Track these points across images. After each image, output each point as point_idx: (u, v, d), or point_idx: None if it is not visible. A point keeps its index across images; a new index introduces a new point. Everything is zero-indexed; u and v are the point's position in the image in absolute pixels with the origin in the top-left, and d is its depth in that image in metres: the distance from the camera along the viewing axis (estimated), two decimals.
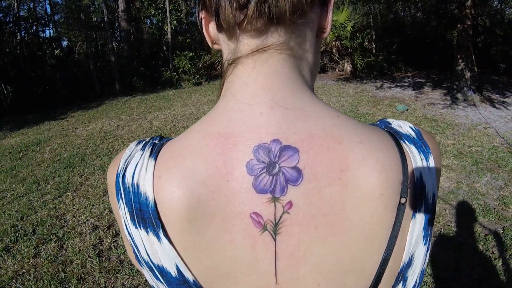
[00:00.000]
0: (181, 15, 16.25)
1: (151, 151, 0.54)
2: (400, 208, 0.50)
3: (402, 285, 0.54)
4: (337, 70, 13.47)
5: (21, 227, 3.77)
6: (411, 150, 0.53)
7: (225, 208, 0.48)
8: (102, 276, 2.94)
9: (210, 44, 0.58)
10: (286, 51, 0.52)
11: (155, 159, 0.52)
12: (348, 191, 0.48)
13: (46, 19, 18.27)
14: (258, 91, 0.51)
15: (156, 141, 0.57)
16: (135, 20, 16.78)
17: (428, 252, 0.56)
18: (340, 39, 11.29)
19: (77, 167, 5.61)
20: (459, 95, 8.58)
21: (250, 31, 0.50)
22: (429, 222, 0.53)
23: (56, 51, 15.63)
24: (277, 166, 0.47)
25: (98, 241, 3.46)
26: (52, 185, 4.92)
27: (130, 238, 0.52)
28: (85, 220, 3.87)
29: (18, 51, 13.82)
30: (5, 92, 11.97)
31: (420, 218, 0.52)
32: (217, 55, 13.08)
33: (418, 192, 0.52)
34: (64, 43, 18.03)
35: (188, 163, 0.49)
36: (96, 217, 3.93)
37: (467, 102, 8.37)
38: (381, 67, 12.61)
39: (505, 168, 4.66)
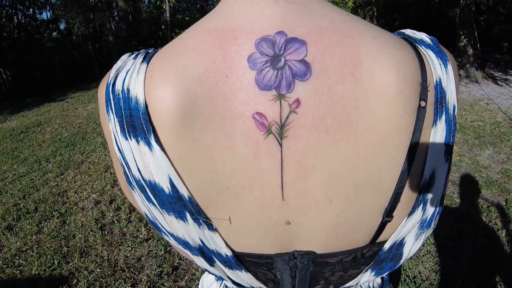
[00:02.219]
0: None
1: (144, 57, 0.48)
2: (420, 112, 0.44)
3: (422, 208, 0.49)
4: None
5: (23, 206, 3.77)
6: (428, 54, 0.47)
7: (224, 108, 0.42)
8: (105, 249, 2.94)
9: None
10: None
11: (148, 63, 0.46)
12: (362, 89, 0.42)
13: (43, 1, 18.05)
14: None
15: (150, 51, 0.51)
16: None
17: (449, 175, 0.50)
18: None
19: (78, 146, 5.60)
20: (461, 72, 8.50)
21: None
22: (451, 136, 0.47)
23: (54, 34, 15.52)
24: (283, 59, 0.41)
25: (100, 215, 3.46)
26: (54, 163, 4.91)
27: (120, 154, 0.47)
28: (87, 196, 3.87)
29: (15, 35, 13.71)
30: (4, 77, 11.91)
31: (441, 127, 0.46)
32: None
33: (438, 98, 0.46)
34: (62, 25, 17.88)
35: (182, 60, 0.43)
36: (98, 192, 3.92)
37: (469, 78, 8.31)
38: None
39: (507, 142, 4.63)
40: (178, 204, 0.46)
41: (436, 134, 0.46)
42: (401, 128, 0.44)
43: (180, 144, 0.43)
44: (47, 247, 3.01)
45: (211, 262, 0.52)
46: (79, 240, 3.07)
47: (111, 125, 0.46)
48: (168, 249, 2.89)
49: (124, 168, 0.48)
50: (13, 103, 10.16)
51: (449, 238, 2.83)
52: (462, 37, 8.52)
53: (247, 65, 0.41)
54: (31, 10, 16.36)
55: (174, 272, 2.65)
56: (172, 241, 0.52)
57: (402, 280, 2.46)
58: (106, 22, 14.85)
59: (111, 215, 3.44)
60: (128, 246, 2.95)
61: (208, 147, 0.43)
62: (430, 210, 0.49)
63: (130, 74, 0.45)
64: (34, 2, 16.30)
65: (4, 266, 2.81)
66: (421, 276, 2.49)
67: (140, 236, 3.08)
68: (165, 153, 0.44)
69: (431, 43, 0.49)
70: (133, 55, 0.50)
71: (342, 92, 0.42)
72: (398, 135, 0.44)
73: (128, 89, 0.44)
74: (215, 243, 0.49)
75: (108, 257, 2.85)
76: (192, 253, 0.51)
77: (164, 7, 15.11)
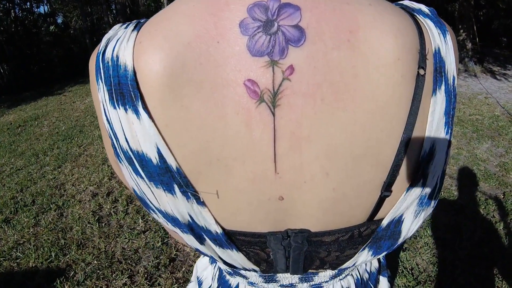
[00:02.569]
0: None
1: (136, 26, 0.46)
2: (419, 80, 0.43)
3: (422, 183, 0.46)
4: None
5: (20, 199, 3.76)
6: (426, 23, 0.45)
7: (214, 75, 0.40)
8: (102, 241, 2.94)
9: None
10: None
11: (138, 31, 0.44)
12: (360, 55, 0.40)
13: None
14: None
15: (142, 21, 0.49)
16: None
17: (449, 150, 0.48)
18: None
19: (76, 139, 5.59)
20: (460, 66, 8.50)
21: None
22: (451, 107, 0.46)
23: (51, 28, 15.45)
24: (276, 24, 0.39)
25: (97, 207, 3.46)
26: (51, 157, 4.90)
27: (108, 125, 0.45)
28: (84, 188, 3.86)
29: (13, 29, 13.65)
30: (2, 71, 11.87)
31: (441, 97, 0.44)
32: None
33: (438, 66, 0.44)
34: (59, 19, 17.81)
35: (173, 25, 0.41)
36: (95, 185, 3.92)
37: (468, 72, 8.30)
38: None
39: (505, 136, 4.64)
40: (166, 175, 0.44)
41: (436, 103, 0.44)
42: (400, 96, 0.42)
43: (169, 112, 0.42)
44: (44, 240, 3.00)
45: (201, 240, 0.50)
46: (76, 233, 3.07)
47: (100, 94, 0.45)
48: (165, 240, 2.89)
49: (112, 139, 0.46)
50: (10, 97, 10.13)
51: (447, 231, 2.83)
52: (461, 31, 8.51)
53: (239, 30, 0.39)
54: (28, 3, 16.29)
55: (171, 263, 2.65)
56: (161, 219, 0.50)
57: (400, 271, 2.46)
58: (103, 15, 14.81)
59: (108, 207, 3.44)
60: (125, 238, 2.95)
61: (197, 115, 0.41)
62: (430, 185, 0.48)
63: (120, 41, 0.44)
64: None
65: (1, 259, 2.81)
66: (419, 268, 2.49)
67: (137, 228, 3.07)
68: (153, 121, 0.42)
69: (429, 13, 0.48)
70: (125, 25, 0.48)
71: (338, 59, 0.40)
72: (397, 104, 0.42)
73: (117, 56, 0.42)
74: (204, 219, 0.47)
75: (105, 249, 2.85)
76: (181, 231, 0.49)
77: (161, 0, 15.08)
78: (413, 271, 2.46)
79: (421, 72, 0.42)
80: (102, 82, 0.44)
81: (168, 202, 0.46)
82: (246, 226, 0.48)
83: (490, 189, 3.41)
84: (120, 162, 0.47)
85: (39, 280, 2.57)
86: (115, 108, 0.43)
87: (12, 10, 14.05)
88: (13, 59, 12.48)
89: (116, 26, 0.49)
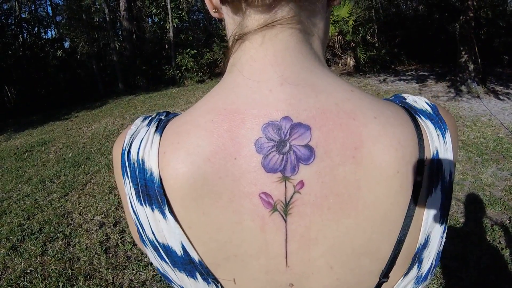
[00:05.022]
0: (183, 13, 16.22)
1: (157, 127, 0.51)
2: (416, 186, 0.48)
3: (417, 267, 0.52)
4: (340, 64, 13.39)
5: (27, 226, 3.79)
6: (427, 126, 0.51)
7: (232, 188, 0.45)
8: (110, 272, 2.95)
9: (211, 11, 0.54)
10: (297, 25, 0.48)
11: (161, 135, 0.50)
12: (363, 170, 0.46)
13: (48, 21, 18.32)
14: (267, 67, 0.47)
15: (162, 117, 0.55)
16: (137, 19, 16.76)
17: (445, 233, 0.54)
18: (342, 33, 11.22)
19: (83, 166, 5.64)
20: (463, 87, 8.53)
21: (258, 6, 0.46)
22: (446, 201, 0.51)
23: (59, 52, 15.69)
24: (288, 144, 0.45)
25: (105, 237, 3.48)
26: (58, 184, 4.94)
27: (135, 216, 0.51)
28: (91, 218, 3.89)
29: (20, 53, 13.88)
30: (9, 94, 12.03)
31: (437, 197, 0.50)
32: (220, 53, 13.08)
33: (434, 170, 0.49)
34: (67, 44, 18.11)
35: (192, 139, 0.47)
36: (102, 214, 3.95)
37: (471, 94, 8.32)
38: (384, 60, 12.53)
39: (510, 159, 4.63)
40: (189, 265, 0.49)
41: (432, 203, 0.49)
42: (398, 202, 0.47)
43: (191, 216, 0.47)
44: (51, 269, 3.02)
45: None
46: (84, 263, 3.08)
47: (126, 188, 0.50)
48: None
49: (138, 228, 0.52)
50: (17, 121, 10.25)
51: (453, 258, 2.82)
52: (463, 52, 8.57)
53: (254, 148, 0.45)
54: (36, 28, 16.60)
55: None
56: None
57: None
58: (110, 41, 15.04)
59: (115, 237, 3.45)
60: (133, 270, 2.96)
61: (217, 221, 0.47)
62: (426, 267, 0.53)
63: (144, 144, 0.49)
64: (39, 21, 16.54)
65: (9, 287, 2.83)
66: None
67: (145, 260, 3.08)
68: (178, 222, 0.47)
69: (431, 112, 0.53)
70: (146, 121, 0.54)
71: (344, 173, 0.45)
72: (395, 209, 0.48)
73: (143, 161, 0.48)
74: None
75: (112, 280, 2.86)
76: None
77: (167, 27, 15.32)
78: None
79: (419, 179, 0.48)
80: (128, 179, 0.49)
81: (190, 284, 0.51)
82: None
83: (496, 214, 3.40)
84: (146, 247, 0.53)
85: None
86: (141, 205, 0.49)
87: (20, 35, 14.30)
88: (20, 82, 12.65)
89: (138, 121, 0.55)
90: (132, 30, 15.76)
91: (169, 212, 0.47)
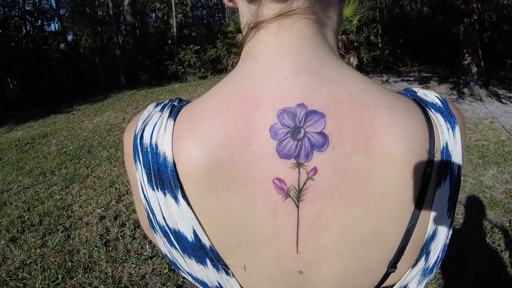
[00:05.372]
0: (187, 9, 16.20)
1: (170, 112, 0.52)
2: (426, 177, 0.48)
3: (425, 259, 0.53)
4: None
5: (28, 218, 3.80)
6: (437, 119, 0.51)
7: (245, 173, 0.46)
8: (109, 265, 2.96)
9: (225, 0, 0.54)
10: (311, 16, 0.49)
11: (174, 120, 0.50)
12: (374, 159, 0.46)
13: (51, 13, 18.30)
14: (282, 56, 0.48)
15: (175, 103, 0.55)
16: (140, 14, 16.78)
17: (451, 226, 0.54)
18: (346, 33, 11.19)
19: (84, 159, 5.65)
20: (465, 90, 8.54)
21: None
22: (454, 194, 0.51)
23: (62, 46, 15.69)
24: (302, 131, 0.45)
25: (105, 231, 3.48)
26: (59, 176, 4.95)
27: (145, 201, 0.51)
28: (91, 211, 3.89)
29: (23, 46, 13.88)
30: (11, 86, 12.04)
31: (446, 189, 0.50)
32: (223, 49, 13.06)
33: (444, 162, 0.50)
34: (70, 37, 18.10)
35: (207, 125, 0.47)
36: (102, 207, 3.95)
37: (473, 96, 8.33)
38: (387, 61, 12.54)
39: (511, 162, 4.64)
40: (199, 251, 0.50)
41: (441, 195, 0.50)
42: (408, 193, 0.48)
43: (204, 201, 0.47)
44: (51, 261, 3.02)
45: None
46: (84, 256, 3.09)
47: (138, 173, 0.51)
48: (173, 267, 2.89)
49: (148, 213, 0.52)
50: (19, 113, 10.26)
51: (452, 260, 2.83)
52: (466, 55, 8.58)
53: (269, 134, 0.45)
54: (39, 21, 16.58)
55: None
56: (190, 279, 0.55)
57: None
58: (113, 35, 15.02)
59: (115, 231, 3.46)
60: (133, 263, 2.97)
61: (230, 206, 0.47)
62: (433, 259, 0.54)
63: (157, 129, 0.49)
64: (42, 13, 16.52)
65: (8, 278, 2.84)
66: None
67: (145, 253, 3.09)
68: (190, 207, 0.48)
69: (441, 106, 0.54)
70: (159, 107, 0.54)
71: (356, 162, 0.46)
72: (405, 200, 0.48)
73: (156, 145, 0.48)
74: (231, 286, 0.52)
75: (112, 273, 2.86)
76: None
77: (171, 22, 15.30)
78: None
79: (428, 170, 0.48)
80: (140, 164, 0.50)
81: (199, 270, 0.52)
82: None
83: (496, 217, 3.41)
84: (155, 233, 0.53)
85: None
86: (153, 190, 0.49)
87: (23, 27, 14.29)
88: (22, 75, 12.65)
89: (150, 107, 0.55)
90: (135, 25, 15.76)
91: (182, 197, 0.47)
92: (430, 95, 0.56)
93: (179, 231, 0.49)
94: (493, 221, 3.33)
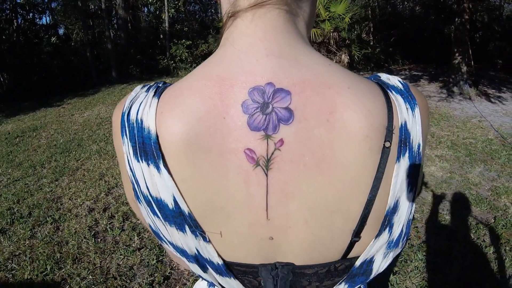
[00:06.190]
0: (179, 4, 16.13)
1: (155, 92, 0.57)
2: (385, 151, 0.53)
3: (388, 231, 0.57)
4: (334, 61, 13.38)
5: (17, 210, 3.80)
6: (397, 99, 0.56)
7: (220, 144, 0.51)
8: (98, 256, 2.97)
9: None
10: (283, 6, 0.55)
11: (158, 98, 0.55)
12: (336, 132, 0.51)
13: (43, 6, 18.12)
14: (255, 41, 0.54)
15: (160, 85, 0.60)
16: (133, 8, 16.68)
17: (414, 204, 0.59)
18: (338, 30, 11.20)
19: (74, 152, 5.64)
20: (455, 89, 8.62)
21: None
22: (414, 170, 0.56)
23: (53, 39, 15.57)
24: (270, 106, 0.50)
25: (94, 223, 3.49)
26: (49, 169, 4.94)
27: (131, 173, 0.55)
28: (81, 203, 3.90)
29: (14, 39, 13.75)
30: (2, 79, 11.92)
31: (405, 163, 0.55)
32: (214, 45, 13.04)
33: (402, 138, 0.54)
34: (61, 30, 17.96)
35: (187, 101, 0.52)
36: (92, 200, 3.96)
37: (462, 95, 8.41)
38: (378, 59, 12.61)
39: (498, 160, 4.70)
40: (179, 218, 0.54)
41: (400, 169, 0.55)
42: (368, 165, 0.53)
43: (183, 170, 0.52)
44: (40, 252, 3.03)
45: (204, 269, 0.60)
46: (72, 247, 3.10)
47: (124, 147, 0.55)
48: (160, 258, 2.92)
49: (133, 184, 0.56)
50: (9, 106, 10.19)
51: (438, 255, 2.88)
52: (457, 54, 8.66)
53: (241, 109, 0.51)
54: (31, 14, 16.42)
55: (166, 281, 2.68)
56: (171, 249, 0.60)
57: None
58: (105, 29, 14.92)
59: (104, 223, 3.47)
60: (121, 255, 2.98)
61: (206, 174, 0.52)
62: (396, 232, 0.58)
63: (143, 106, 0.54)
64: (34, 6, 16.37)
65: None
66: None
67: (133, 245, 3.11)
68: (171, 175, 0.52)
69: (402, 88, 0.58)
70: (145, 88, 0.59)
71: (319, 134, 0.51)
72: (365, 171, 0.53)
73: (141, 120, 0.53)
74: (208, 252, 0.58)
75: (100, 264, 2.88)
76: (188, 261, 0.59)
77: (163, 17, 15.24)
78: None
79: (387, 144, 0.53)
80: (127, 138, 0.54)
81: (179, 238, 0.57)
82: (242, 259, 0.59)
83: (481, 213, 3.46)
84: (139, 203, 0.58)
85: None
86: (138, 161, 0.53)
87: (14, 20, 14.15)
88: (13, 68, 12.55)
89: (137, 88, 0.60)
90: (127, 19, 15.68)
91: (164, 166, 0.52)
92: (393, 79, 0.61)
93: (161, 199, 0.53)
94: (478, 218, 3.38)
